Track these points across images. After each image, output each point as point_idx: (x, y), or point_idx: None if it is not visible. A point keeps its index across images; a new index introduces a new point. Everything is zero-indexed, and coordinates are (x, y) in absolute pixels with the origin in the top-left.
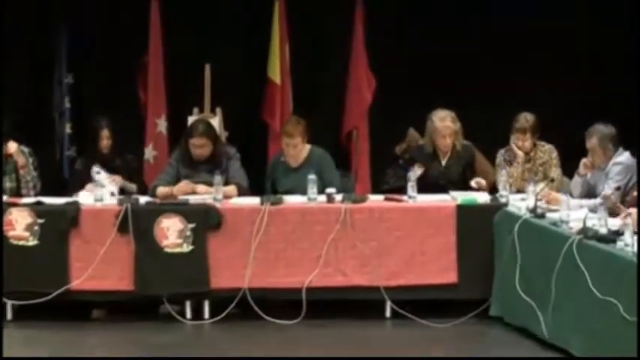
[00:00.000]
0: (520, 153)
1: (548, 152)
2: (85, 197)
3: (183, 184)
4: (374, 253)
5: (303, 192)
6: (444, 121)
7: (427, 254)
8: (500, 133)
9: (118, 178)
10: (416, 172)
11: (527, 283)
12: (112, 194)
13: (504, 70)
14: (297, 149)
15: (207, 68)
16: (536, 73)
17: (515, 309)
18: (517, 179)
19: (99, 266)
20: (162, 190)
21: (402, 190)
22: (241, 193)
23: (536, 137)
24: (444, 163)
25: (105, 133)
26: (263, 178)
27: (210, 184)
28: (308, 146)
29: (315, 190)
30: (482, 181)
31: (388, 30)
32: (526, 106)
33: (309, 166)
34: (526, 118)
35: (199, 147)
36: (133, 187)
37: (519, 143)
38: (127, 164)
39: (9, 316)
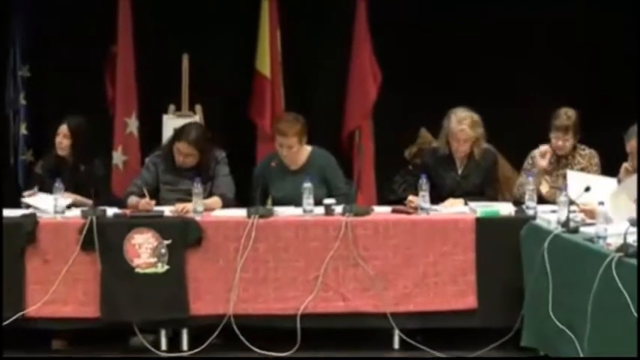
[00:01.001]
0: (542, 163)
1: (588, 157)
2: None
3: (142, 205)
4: (380, 274)
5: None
6: (461, 124)
7: (442, 275)
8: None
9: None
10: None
11: (561, 308)
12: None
13: (515, 64)
14: (292, 151)
15: (186, 59)
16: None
17: (550, 338)
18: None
19: (59, 289)
20: (132, 200)
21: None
22: (226, 205)
23: (577, 138)
24: (460, 171)
25: (63, 130)
26: (248, 186)
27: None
28: (308, 148)
29: (311, 200)
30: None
31: (396, 14)
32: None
33: (310, 169)
34: (567, 114)
35: (184, 155)
36: (87, 202)
37: (559, 143)
38: (92, 171)
39: None
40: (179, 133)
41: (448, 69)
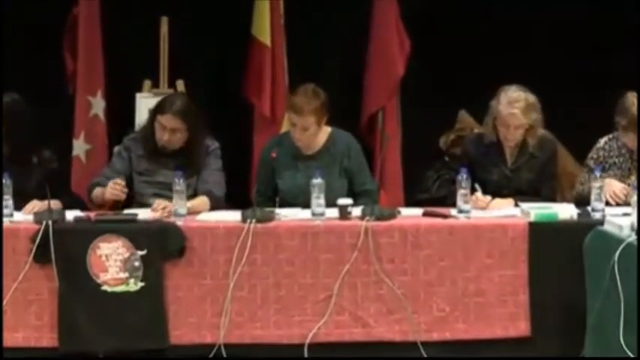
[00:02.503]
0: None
1: None
2: None
3: (112, 187)
4: (408, 294)
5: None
6: (512, 107)
7: (486, 294)
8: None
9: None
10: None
11: (634, 334)
12: None
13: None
14: (307, 134)
15: (164, 23)
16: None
17: None
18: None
19: (7, 311)
20: (97, 193)
21: (449, 201)
22: (214, 205)
23: None
24: (510, 163)
25: None
26: (244, 184)
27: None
28: (328, 129)
29: (322, 200)
30: None
31: None
32: None
33: (327, 155)
34: (635, 105)
35: (169, 131)
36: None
37: (630, 143)
38: (43, 165)
39: None
40: (161, 105)
41: (488, 39)
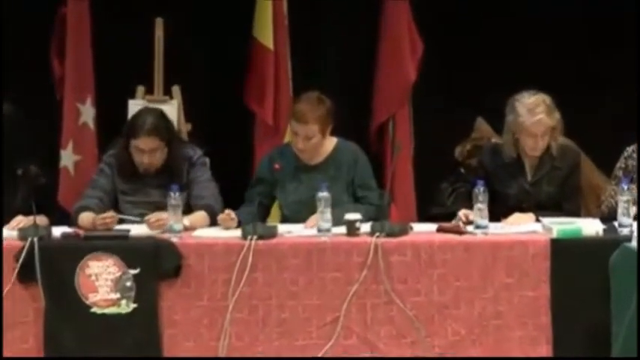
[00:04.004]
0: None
1: None
2: None
3: (101, 220)
4: (421, 316)
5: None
6: (533, 114)
7: (505, 316)
8: None
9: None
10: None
11: None
12: None
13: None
14: (310, 143)
15: (159, 25)
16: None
17: None
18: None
19: None
20: (85, 217)
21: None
22: (214, 221)
23: None
24: (530, 175)
25: None
26: (244, 197)
27: (163, 207)
28: (333, 140)
29: (328, 215)
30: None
31: None
32: None
33: (333, 167)
34: None
35: (147, 153)
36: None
37: None
38: (30, 179)
39: None
40: (132, 128)
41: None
